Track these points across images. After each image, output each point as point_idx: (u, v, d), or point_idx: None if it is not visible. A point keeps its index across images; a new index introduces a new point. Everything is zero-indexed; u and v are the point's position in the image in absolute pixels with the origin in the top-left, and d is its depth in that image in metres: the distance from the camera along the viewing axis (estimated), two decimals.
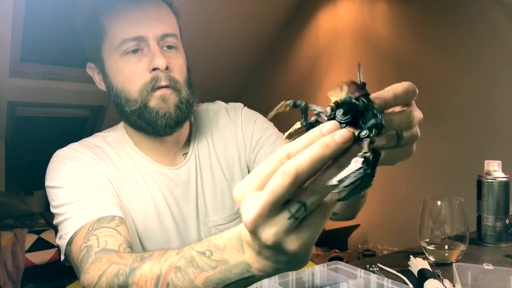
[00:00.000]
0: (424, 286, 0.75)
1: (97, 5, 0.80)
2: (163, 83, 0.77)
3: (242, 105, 0.99)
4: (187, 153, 0.89)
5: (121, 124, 0.90)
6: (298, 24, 3.25)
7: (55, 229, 2.67)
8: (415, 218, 0.94)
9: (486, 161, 1.07)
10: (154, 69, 0.77)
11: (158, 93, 0.77)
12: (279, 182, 0.34)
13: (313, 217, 0.36)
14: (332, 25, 2.96)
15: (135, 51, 0.78)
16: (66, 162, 0.79)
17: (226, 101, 1.01)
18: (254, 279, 0.43)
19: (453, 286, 0.76)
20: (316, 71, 3.11)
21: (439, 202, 0.92)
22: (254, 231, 0.37)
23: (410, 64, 2.44)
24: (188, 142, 0.90)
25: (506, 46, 2.00)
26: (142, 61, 0.77)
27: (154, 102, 0.77)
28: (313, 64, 3.14)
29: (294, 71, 3.33)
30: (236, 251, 0.42)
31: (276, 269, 0.41)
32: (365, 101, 0.39)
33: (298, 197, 0.35)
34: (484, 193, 1.05)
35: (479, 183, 1.06)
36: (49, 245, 2.71)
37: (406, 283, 0.80)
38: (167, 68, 0.77)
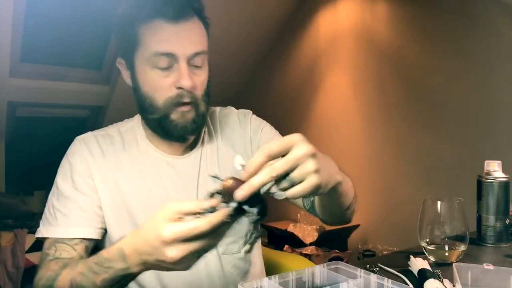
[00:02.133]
0: (424, 286, 0.75)
1: (135, 14, 0.84)
2: (186, 100, 0.85)
3: (251, 112, 1.07)
4: (195, 147, 0.96)
5: (138, 118, 0.97)
6: (298, 25, 3.25)
7: None
8: (415, 218, 0.94)
9: (486, 161, 1.07)
10: (180, 87, 0.84)
11: (180, 109, 0.85)
12: (200, 226, 0.56)
13: (204, 251, 0.59)
14: (332, 25, 2.96)
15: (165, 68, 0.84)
16: (68, 159, 0.89)
17: (227, 102, 1.06)
18: (134, 275, 0.65)
19: (453, 286, 0.76)
20: (316, 72, 3.11)
21: (439, 202, 0.92)
22: (165, 247, 0.56)
23: (409, 64, 2.44)
24: (197, 137, 0.96)
25: (506, 46, 2.00)
26: (170, 76, 0.84)
27: (175, 115, 0.85)
28: (313, 65, 3.14)
29: (294, 71, 3.33)
30: (119, 261, 0.64)
31: (150, 269, 0.63)
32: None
33: (203, 241, 0.57)
34: (484, 193, 1.05)
35: (479, 183, 1.06)
36: None
37: (406, 283, 0.80)
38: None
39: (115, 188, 0.88)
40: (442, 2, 2.28)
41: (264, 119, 1.09)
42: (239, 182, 0.57)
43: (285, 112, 3.38)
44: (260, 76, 3.68)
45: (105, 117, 3.33)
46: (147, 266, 0.62)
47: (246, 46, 3.35)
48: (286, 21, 3.34)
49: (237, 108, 1.09)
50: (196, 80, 0.85)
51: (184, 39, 0.83)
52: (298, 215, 3.00)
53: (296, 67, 3.31)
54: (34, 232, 3.07)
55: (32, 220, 2.92)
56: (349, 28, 2.82)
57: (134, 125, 0.96)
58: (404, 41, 2.48)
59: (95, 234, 0.87)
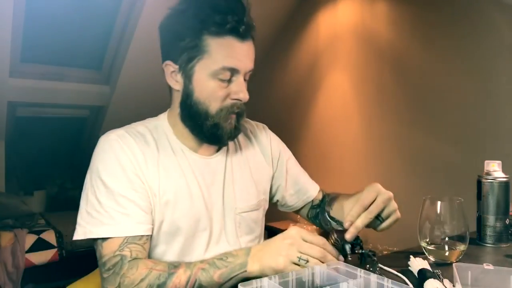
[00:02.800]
0: (424, 286, 0.75)
1: (205, 25, 0.87)
2: (237, 110, 0.93)
3: (265, 125, 1.16)
4: (220, 148, 1.02)
5: (164, 116, 1.00)
6: (298, 24, 3.25)
7: (55, 229, 2.67)
8: (415, 218, 0.94)
9: (486, 161, 1.07)
10: (237, 99, 0.91)
11: (230, 117, 0.92)
12: (315, 250, 0.76)
13: (303, 265, 0.75)
14: (332, 25, 2.96)
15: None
16: (112, 156, 0.88)
17: None
18: (245, 274, 0.78)
19: (453, 286, 0.76)
20: (316, 71, 3.11)
21: (439, 202, 0.92)
22: (284, 245, 0.77)
23: (409, 64, 2.44)
24: None
25: (506, 46, 2.00)
26: (228, 87, 0.90)
27: (225, 123, 0.92)
28: (313, 64, 3.14)
29: (294, 71, 3.33)
30: (243, 255, 0.80)
31: (260, 271, 0.77)
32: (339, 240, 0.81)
33: (309, 258, 0.75)
34: (484, 193, 1.05)
35: (479, 183, 1.06)
36: (49, 245, 2.71)
37: (406, 283, 0.80)
38: None
39: (156, 183, 0.90)
40: (442, 2, 2.28)
41: (264, 119, 1.17)
42: (342, 231, 0.80)
43: (285, 112, 3.38)
44: (260, 75, 3.68)
45: (105, 117, 3.32)
46: (261, 265, 0.77)
47: None
48: (286, 21, 3.34)
49: None
50: None
51: (246, 57, 0.91)
52: (298, 215, 3.00)
53: (296, 67, 3.31)
54: (34, 232, 3.05)
55: (32, 220, 2.92)
56: (349, 28, 2.82)
57: (161, 125, 0.98)
58: (404, 41, 2.48)
59: (151, 231, 0.89)
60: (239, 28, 0.87)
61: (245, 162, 1.04)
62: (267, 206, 1.08)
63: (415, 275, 0.83)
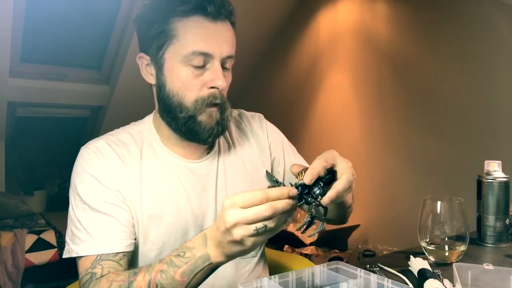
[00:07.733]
0: (424, 286, 0.75)
1: (171, 7, 0.81)
2: (217, 101, 0.84)
3: (262, 115, 1.08)
4: (212, 150, 0.95)
5: (149, 118, 0.94)
6: (298, 24, 3.25)
7: (55, 229, 2.67)
8: (415, 218, 0.94)
9: (486, 161, 1.07)
10: (213, 87, 0.83)
11: (209, 110, 0.84)
12: (263, 212, 0.60)
13: (267, 232, 0.62)
14: (332, 25, 2.96)
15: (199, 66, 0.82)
16: (89, 171, 0.84)
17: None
18: (212, 266, 0.67)
19: (453, 286, 0.76)
20: (316, 71, 3.11)
21: (439, 202, 0.92)
22: (229, 229, 0.61)
23: (409, 64, 2.44)
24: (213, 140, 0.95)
25: (506, 47, 2.00)
26: (203, 75, 0.83)
27: (203, 117, 0.84)
28: (313, 64, 3.14)
29: (294, 71, 3.33)
30: (201, 246, 0.67)
31: (227, 257, 0.66)
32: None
33: (265, 222, 0.61)
34: (484, 193, 1.05)
35: (479, 183, 1.06)
36: (49, 245, 2.71)
37: (406, 283, 0.80)
38: None
39: (138, 196, 0.85)
40: (441, 2, 2.28)
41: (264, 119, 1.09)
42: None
43: (285, 112, 3.38)
44: (260, 75, 3.68)
45: (105, 117, 3.32)
46: (223, 250, 0.65)
47: (246, 45, 3.35)
48: (286, 20, 3.34)
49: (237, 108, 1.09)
50: (225, 82, 0.85)
51: (221, 40, 0.82)
52: (298, 215, 3.00)
53: (296, 67, 3.31)
54: (34, 232, 3.05)
55: (32, 220, 2.92)
56: (349, 28, 2.82)
57: (146, 129, 0.92)
58: (404, 41, 2.48)
59: (133, 246, 0.84)
60: (206, 6, 0.80)
61: (239, 161, 0.97)
62: None
63: (415, 275, 0.83)
